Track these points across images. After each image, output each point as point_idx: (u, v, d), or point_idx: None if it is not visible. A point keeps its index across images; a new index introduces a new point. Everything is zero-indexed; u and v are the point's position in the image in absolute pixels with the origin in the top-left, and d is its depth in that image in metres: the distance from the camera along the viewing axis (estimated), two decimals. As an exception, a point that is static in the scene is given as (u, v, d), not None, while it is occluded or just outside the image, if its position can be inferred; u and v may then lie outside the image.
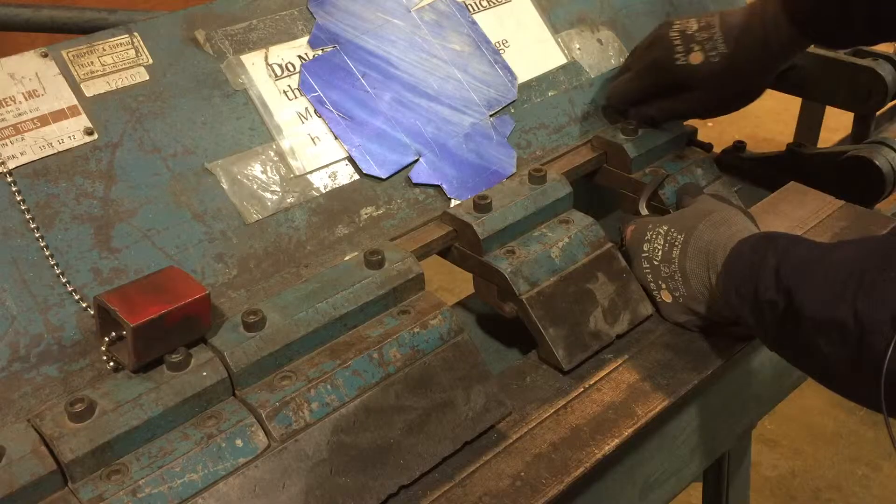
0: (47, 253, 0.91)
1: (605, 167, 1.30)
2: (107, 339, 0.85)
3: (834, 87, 1.54)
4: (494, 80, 1.28)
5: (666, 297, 1.10)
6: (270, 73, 1.13)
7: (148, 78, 1.05)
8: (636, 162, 1.26)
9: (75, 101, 0.99)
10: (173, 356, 0.85)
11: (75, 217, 0.94)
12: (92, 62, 1.02)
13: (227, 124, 1.07)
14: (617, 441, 0.96)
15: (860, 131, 1.56)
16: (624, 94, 1.33)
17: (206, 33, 1.10)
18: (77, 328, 0.90)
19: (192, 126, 1.05)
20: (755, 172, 1.54)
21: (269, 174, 1.07)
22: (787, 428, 2.82)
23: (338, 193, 1.11)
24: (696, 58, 1.19)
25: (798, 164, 1.49)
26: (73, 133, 0.98)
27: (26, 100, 0.96)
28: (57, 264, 0.91)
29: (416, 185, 1.16)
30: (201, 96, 1.07)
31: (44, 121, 0.97)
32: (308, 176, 1.09)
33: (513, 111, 1.28)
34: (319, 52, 1.17)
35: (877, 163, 1.36)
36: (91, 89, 1.01)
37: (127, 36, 1.05)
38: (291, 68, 1.14)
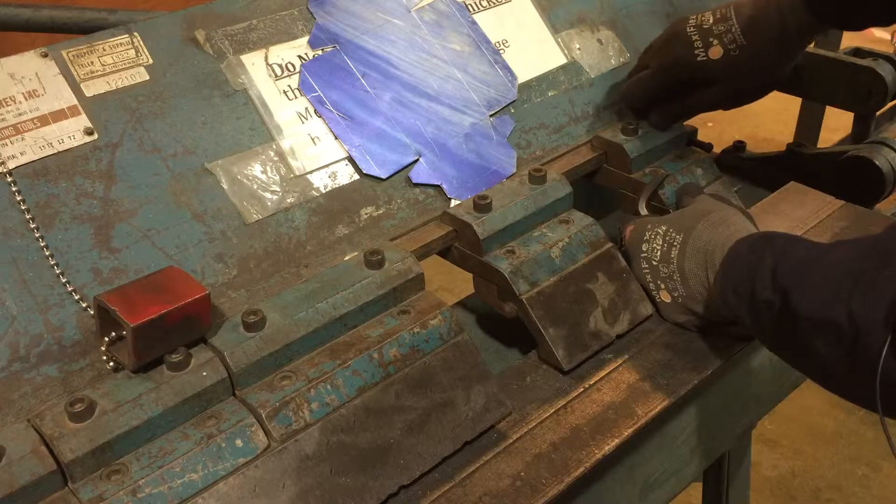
0: (47, 253, 0.91)
1: (605, 167, 1.30)
2: (107, 339, 0.85)
3: (834, 87, 1.54)
4: (494, 80, 1.28)
5: (665, 297, 1.10)
6: (270, 73, 1.13)
7: (148, 78, 1.05)
8: (636, 162, 1.26)
9: (75, 101, 0.99)
10: (173, 356, 0.85)
11: (75, 217, 0.94)
12: (92, 62, 1.02)
13: (227, 124, 1.07)
14: (617, 441, 0.96)
15: (860, 131, 1.56)
16: (643, 93, 1.32)
17: (206, 33, 1.10)
18: (77, 328, 0.90)
19: (192, 126, 1.05)
20: (755, 172, 1.54)
21: (269, 174, 1.07)
22: (787, 428, 2.82)
23: (338, 193, 1.11)
24: (716, 52, 1.19)
25: (798, 164, 1.49)
26: (73, 133, 0.98)
27: (26, 100, 0.96)
28: (57, 264, 0.91)
29: (416, 185, 1.16)
30: (201, 96, 1.07)
31: (44, 121, 0.97)
32: (308, 176, 1.10)
33: (513, 111, 1.28)
34: (319, 52, 1.17)
35: (877, 163, 1.36)
36: (91, 89, 1.01)
37: (127, 36, 1.05)
38: (291, 68, 1.14)
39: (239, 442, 0.84)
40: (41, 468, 0.77)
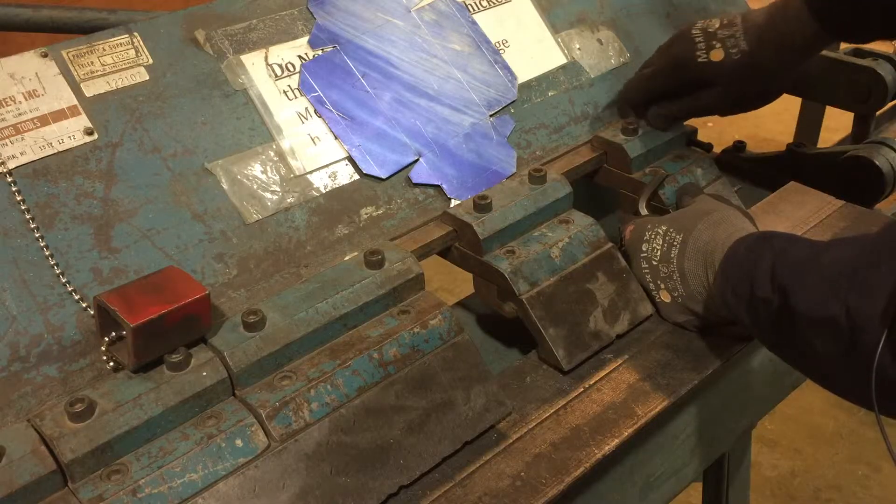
0: (47, 253, 0.91)
1: (605, 167, 1.30)
2: (107, 339, 0.85)
3: (834, 87, 1.54)
4: (494, 80, 1.28)
5: (665, 297, 1.10)
6: (270, 73, 1.13)
7: (148, 78, 1.05)
8: (636, 162, 1.26)
9: (75, 101, 0.99)
10: (173, 356, 0.85)
11: (75, 217, 0.94)
12: (92, 62, 1.02)
13: (227, 124, 1.07)
14: (617, 441, 0.96)
15: (860, 131, 1.56)
16: (643, 90, 1.32)
17: (206, 33, 1.10)
18: (77, 328, 0.90)
19: (192, 126, 1.05)
20: (755, 172, 1.54)
21: (269, 174, 1.07)
22: (787, 428, 2.82)
23: (338, 193, 1.11)
24: (718, 55, 1.18)
25: (798, 164, 1.49)
26: (73, 133, 0.98)
27: (26, 100, 0.96)
28: (57, 264, 0.91)
29: (416, 185, 1.16)
30: (201, 96, 1.07)
31: (44, 121, 0.97)
32: (308, 176, 1.10)
33: (513, 111, 1.28)
34: (319, 52, 1.17)
35: (877, 163, 1.36)
36: (91, 89, 1.01)
37: (127, 36, 1.05)
38: (291, 68, 1.14)
39: (239, 442, 0.84)
40: (41, 468, 0.77)
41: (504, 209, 1.11)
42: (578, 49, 1.39)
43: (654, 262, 1.10)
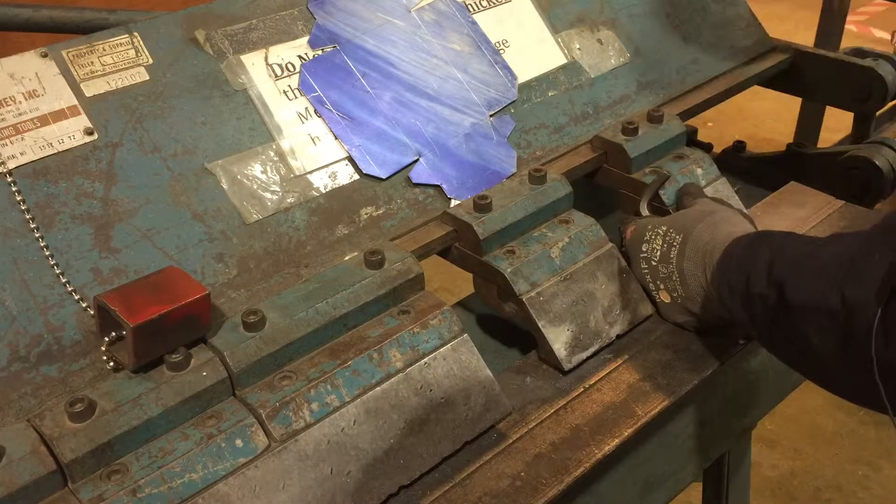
0: (47, 253, 0.91)
1: (605, 167, 1.30)
2: (107, 339, 0.85)
3: (834, 87, 1.54)
4: (494, 80, 1.28)
5: (664, 298, 1.10)
6: (270, 73, 1.13)
7: (148, 78, 1.05)
8: (636, 162, 1.26)
9: (75, 101, 0.99)
10: (173, 356, 0.85)
11: (75, 217, 0.94)
12: (92, 62, 1.02)
13: (227, 124, 1.07)
14: (617, 441, 0.96)
15: (860, 131, 1.56)
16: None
17: (206, 33, 1.10)
18: (77, 328, 0.90)
19: (192, 126, 1.05)
20: (755, 172, 1.54)
21: (269, 174, 1.07)
22: (787, 428, 2.81)
23: (338, 193, 1.11)
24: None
25: (798, 164, 1.49)
26: (73, 133, 0.98)
27: (26, 100, 0.96)
28: (57, 264, 0.91)
29: (416, 185, 1.16)
30: (201, 96, 1.07)
31: (44, 121, 0.97)
32: (308, 176, 1.09)
33: (513, 111, 1.28)
34: (319, 52, 1.17)
35: (877, 163, 1.36)
36: (91, 89, 1.01)
37: (127, 36, 1.05)
38: (291, 68, 1.14)
39: (239, 442, 0.84)
40: (41, 468, 0.77)
41: (504, 209, 1.11)
42: (578, 49, 1.39)
43: (654, 263, 1.10)
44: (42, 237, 0.92)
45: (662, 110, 1.31)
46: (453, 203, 1.16)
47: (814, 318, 0.82)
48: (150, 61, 1.06)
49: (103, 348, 0.86)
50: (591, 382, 1.04)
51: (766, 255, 0.91)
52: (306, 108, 1.13)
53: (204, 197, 1.02)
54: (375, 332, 0.95)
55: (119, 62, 1.03)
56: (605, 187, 1.32)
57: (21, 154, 0.94)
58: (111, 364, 0.87)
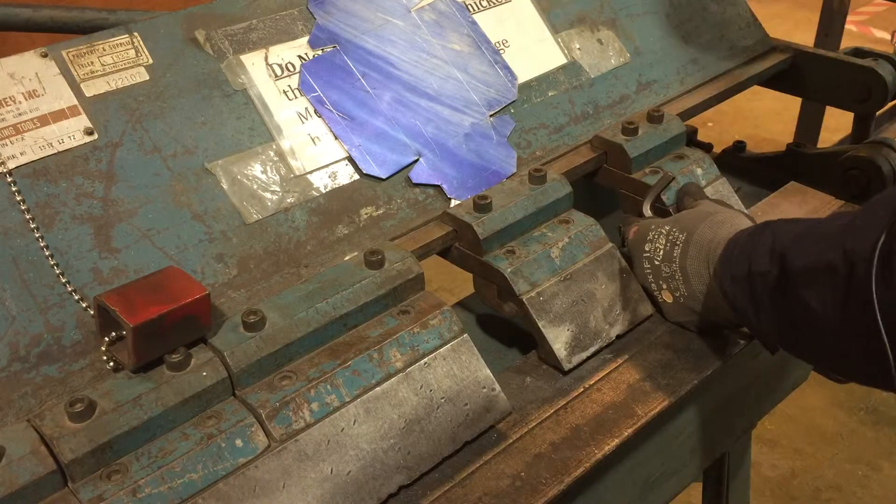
0: (47, 253, 0.91)
1: (605, 167, 1.30)
2: (107, 339, 0.85)
3: (834, 87, 1.54)
4: (494, 80, 1.28)
5: (667, 298, 1.10)
6: (270, 73, 1.13)
7: (148, 78, 1.05)
8: (636, 162, 1.26)
9: (75, 101, 0.99)
10: (173, 356, 0.85)
11: (75, 217, 0.94)
12: (92, 62, 1.02)
13: (227, 124, 1.07)
14: (617, 441, 0.96)
15: (860, 131, 1.56)
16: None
17: (206, 33, 1.10)
18: (77, 328, 0.90)
19: (192, 126, 1.05)
20: (755, 172, 1.54)
21: (269, 174, 1.07)
22: (787, 428, 2.82)
23: (338, 193, 1.11)
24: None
25: (798, 164, 1.49)
26: (73, 133, 0.98)
27: (26, 100, 0.96)
28: (57, 264, 0.91)
29: (416, 185, 1.16)
30: (201, 96, 1.07)
31: (44, 121, 0.97)
32: (308, 176, 1.09)
33: (513, 111, 1.28)
34: (319, 52, 1.17)
35: (877, 163, 1.36)
36: (91, 89, 1.01)
37: (127, 36, 1.05)
38: (291, 68, 1.14)
39: (239, 442, 0.84)
40: (41, 468, 0.77)
41: (504, 209, 1.11)
42: (578, 49, 1.39)
43: (657, 262, 1.10)
44: (42, 237, 0.92)
45: (662, 110, 1.31)
46: (453, 203, 1.16)
47: (814, 279, 0.83)
48: (150, 61, 1.06)
49: (103, 348, 0.86)
50: (591, 382, 1.04)
51: (768, 238, 0.92)
52: (306, 108, 1.13)
53: (204, 197, 1.02)
54: (375, 332, 0.95)
55: (119, 62, 1.03)
56: (605, 187, 1.32)
57: (21, 154, 0.94)
58: (111, 364, 0.87)
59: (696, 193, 1.21)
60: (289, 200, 1.07)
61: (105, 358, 0.87)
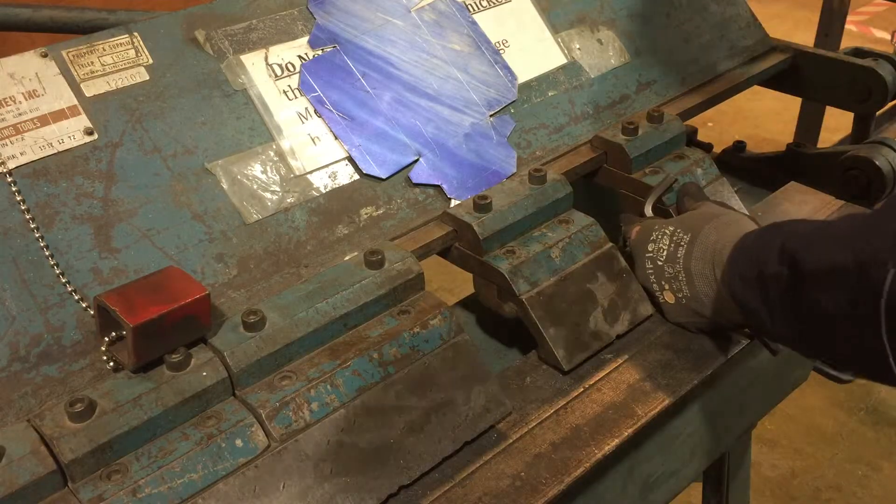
0: (47, 253, 0.91)
1: (605, 167, 1.30)
2: (107, 339, 0.85)
3: (834, 87, 1.54)
4: (494, 80, 1.28)
5: (669, 298, 1.10)
6: (270, 73, 1.13)
7: (148, 78, 1.05)
8: (636, 162, 1.26)
9: (75, 101, 0.99)
10: (173, 356, 0.85)
11: (75, 217, 0.94)
12: (92, 62, 1.02)
13: (227, 124, 1.07)
14: (617, 441, 0.96)
15: (860, 131, 1.56)
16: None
17: (206, 33, 1.10)
18: (77, 328, 0.90)
19: (192, 126, 1.05)
20: (755, 172, 1.54)
21: (269, 174, 1.07)
22: (787, 428, 2.82)
23: (338, 193, 1.11)
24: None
25: (798, 164, 1.49)
26: (73, 133, 0.98)
27: (26, 100, 0.96)
28: (57, 264, 0.91)
29: (416, 185, 1.16)
30: (201, 96, 1.07)
31: (44, 121, 0.97)
32: (308, 176, 1.10)
33: (513, 111, 1.28)
34: (319, 52, 1.17)
35: (877, 163, 1.36)
36: (91, 89, 1.01)
37: (127, 36, 1.05)
38: (291, 68, 1.14)
39: (239, 442, 0.84)
40: (41, 468, 0.77)
41: (504, 209, 1.11)
42: (578, 49, 1.39)
43: (660, 263, 1.10)
44: (42, 237, 0.92)
45: (662, 110, 1.31)
46: (453, 203, 1.16)
47: (825, 279, 0.83)
48: (150, 61, 1.06)
49: (103, 348, 0.86)
50: (591, 382, 1.04)
51: (777, 240, 0.91)
52: (306, 108, 1.13)
53: (204, 197, 1.02)
54: (375, 332, 0.95)
55: (119, 62, 1.03)
56: (605, 187, 1.32)
57: (21, 154, 0.94)
58: (111, 364, 0.87)
59: (696, 194, 1.21)
60: (289, 200, 1.07)
61: (105, 358, 0.87)
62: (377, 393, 0.91)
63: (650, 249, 1.12)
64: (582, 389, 1.03)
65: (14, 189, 0.92)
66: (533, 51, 1.35)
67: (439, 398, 0.94)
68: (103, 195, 0.97)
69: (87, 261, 0.93)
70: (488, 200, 1.10)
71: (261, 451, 0.84)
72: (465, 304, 1.25)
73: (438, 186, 1.17)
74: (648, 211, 1.22)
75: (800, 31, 5.23)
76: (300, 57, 1.15)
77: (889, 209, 0.81)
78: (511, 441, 0.96)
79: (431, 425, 0.92)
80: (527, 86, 1.31)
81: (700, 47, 1.52)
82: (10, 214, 0.92)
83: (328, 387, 0.89)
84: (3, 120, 0.94)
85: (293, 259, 1.04)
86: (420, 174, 1.16)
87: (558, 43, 1.38)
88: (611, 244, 1.14)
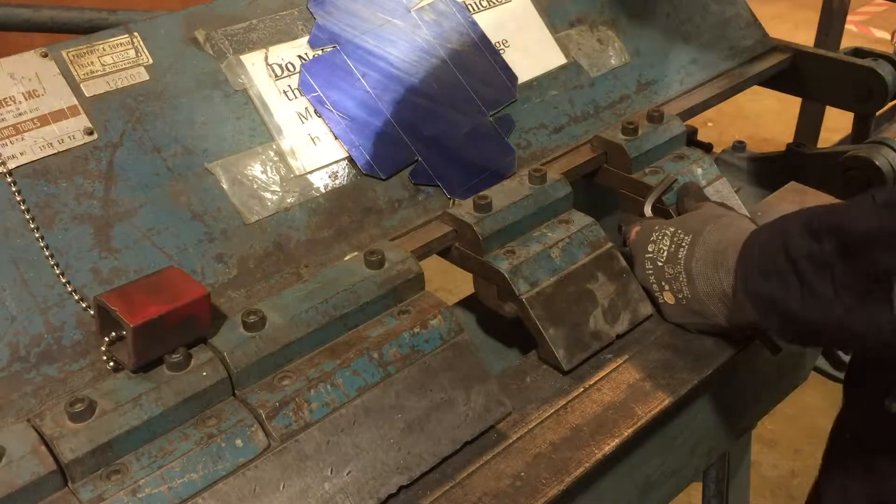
0: (47, 253, 0.91)
1: (605, 167, 1.30)
2: (107, 339, 0.85)
3: (834, 87, 1.54)
4: (494, 80, 1.28)
5: (669, 299, 1.10)
6: (270, 73, 1.13)
7: (148, 78, 1.05)
8: (636, 162, 1.26)
9: (75, 101, 0.99)
10: (173, 356, 0.85)
11: (75, 217, 0.94)
12: (92, 62, 1.02)
13: (227, 124, 1.07)
14: (617, 441, 0.96)
15: (860, 131, 1.56)
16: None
17: (206, 33, 1.10)
18: (77, 328, 0.90)
19: (192, 126, 1.05)
20: (755, 172, 1.54)
21: (269, 174, 1.07)
22: (787, 428, 2.81)
23: (338, 193, 1.11)
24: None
25: (798, 164, 1.49)
26: (73, 133, 0.98)
27: (26, 100, 0.96)
28: (57, 264, 0.91)
29: (416, 184, 1.16)
30: (201, 96, 1.07)
31: (44, 121, 0.97)
32: (308, 176, 1.10)
33: (513, 111, 1.28)
34: (319, 52, 1.17)
35: (877, 163, 1.36)
36: (91, 89, 1.01)
37: (127, 36, 1.05)
38: (291, 68, 1.14)
39: (239, 442, 0.84)
40: (41, 468, 0.77)
41: (504, 209, 1.11)
42: (578, 49, 1.39)
43: (660, 263, 1.10)
44: (42, 237, 0.92)
45: (662, 110, 1.31)
46: (453, 203, 1.16)
47: (888, 240, 0.81)
48: (150, 61, 1.06)
49: (103, 348, 0.86)
50: (591, 382, 1.04)
51: (796, 225, 0.89)
52: (306, 108, 1.13)
53: (204, 197, 1.02)
54: (375, 332, 0.95)
55: (119, 62, 1.03)
56: (605, 187, 1.32)
57: (21, 154, 0.94)
58: (111, 364, 0.87)
59: (696, 194, 1.20)
60: (289, 200, 1.07)
61: (105, 358, 0.87)
62: (377, 393, 0.91)
63: (650, 250, 1.11)
64: (582, 389, 1.03)
65: (14, 189, 0.92)
66: (533, 51, 1.35)
67: (439, 398, 0.94)
68: (103, 195, 0.97)
69: (87, 261, 0.93)
70: (488, 200, 1.10)
71: (261, 451, 0.84)
72: (465, 304, 1.25)
73: (438, 186, 1.17)
74: (648, 211, 1.22)
75: (800, 31, 5.23)
76: (300, 57, 1.15)
77: None
78: (511, 441, 0.96)
79: (431, 425, 0.92)
80: (527, 86, 1.31)
81: (700, 47, 1.52)
82: (10, 214, 0.92)
83: (328, 387, 0.89)
84: (3, 120, 0.94)
85: (293, 259, 1.04)
86: (420, 174, 1.16)
87: (558, 43, 1.38)
88: (611, 244, 1.14)
